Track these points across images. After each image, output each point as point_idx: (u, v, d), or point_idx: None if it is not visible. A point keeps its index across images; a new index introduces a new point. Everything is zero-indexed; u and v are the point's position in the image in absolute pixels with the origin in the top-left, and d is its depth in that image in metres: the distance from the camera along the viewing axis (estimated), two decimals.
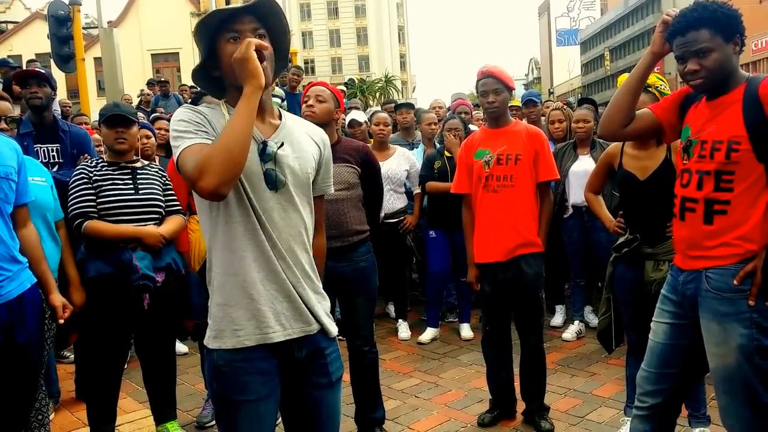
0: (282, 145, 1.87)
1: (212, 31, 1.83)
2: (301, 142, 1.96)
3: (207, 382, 1.95)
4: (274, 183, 1.84)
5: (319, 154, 2.03)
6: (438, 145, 5.51)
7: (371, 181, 3.54)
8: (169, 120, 5.44)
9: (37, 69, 4.31)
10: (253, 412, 1.88)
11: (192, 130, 1.77)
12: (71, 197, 3.20)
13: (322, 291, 2.02)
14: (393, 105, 7.69)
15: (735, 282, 2.22)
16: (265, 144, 1.84)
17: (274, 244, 1.85)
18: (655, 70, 2.66)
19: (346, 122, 5.70)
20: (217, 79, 1.90)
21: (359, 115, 5.83)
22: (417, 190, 5.45)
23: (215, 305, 1.87)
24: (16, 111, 4.86)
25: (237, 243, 1.83)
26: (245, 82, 1.74)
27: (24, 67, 7.64)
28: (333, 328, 2.02)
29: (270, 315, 1.86)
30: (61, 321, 2.89)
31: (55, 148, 4.18)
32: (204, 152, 1.69)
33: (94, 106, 10.41)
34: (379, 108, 8.17)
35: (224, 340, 1.85)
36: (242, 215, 1.82)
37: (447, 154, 5.20)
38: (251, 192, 1.82)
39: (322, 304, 1.99)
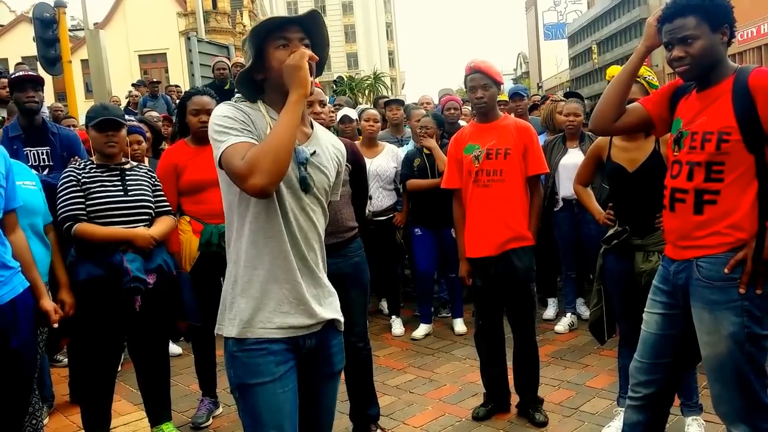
0: (314, 152, 2.00)
1: (262, 37, 1.95)
2: (327, 152, 2.09)
3: (227, 373, 2.03)
4: (306, 186, 1.96)
5: (338, 166, 2.16)
6: None
7: (359, 177, 3.57)
8: (149, 122, 5.43)
9: (33, 73, 4.29)
10: (269, 393, 1.94)
11: (237, 127, 1.86)
12: (60, 200, 3.18)
13: (331, 287, 2.13)
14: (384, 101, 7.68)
15: (726, 270, 2.24)
16: (300, 150, 1.96)
17: (295, 244, 1.96)
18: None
19: (338, 118, 5.71)
20: (255, 82, 2.01)
21: (351, 112, 5.85)
22: None
23: (235, 296, 1.96)
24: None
25: (261, 240, 1.92)
26: (294, 89, 1.87)
27: (11, 71, 7.60)
28: (340, 322, 2.12)
29: (276, 312, 1.95)
30: (55, 325, 2.88)
31: (44, 151, 4.16)
32: (254, 152, 1.79)
33: (82, 108, 10.32)
34: (369, 105, 8.18)
35: (231, 329, 1.95)
36: (271, 214, 1.92)
37: (426, 151, 5.21)
38: (285, 193, 1.93)
39: (330, 301, 2.10)
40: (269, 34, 1.94)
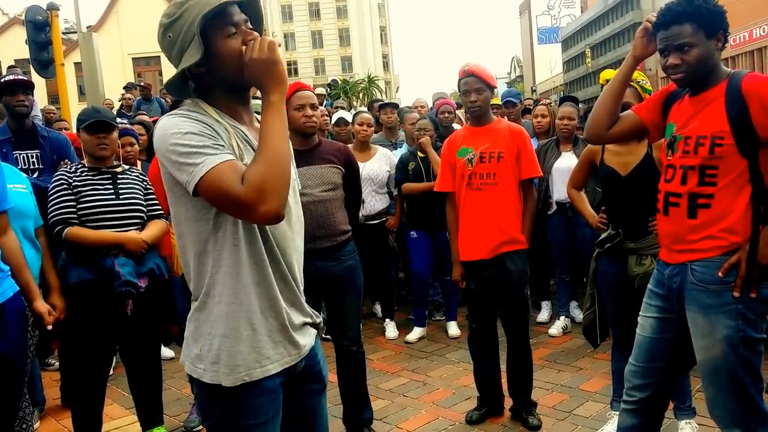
0: None
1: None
2: None
3: (204, 410, 1.78)
4: None
5: None
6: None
7: (352, 181, 3.57)
8: (145, 124, 5.40)
9: (23, 78, 4.27)
10: None
11: (210, 144, 1.57)
12: (51, 203, 3.16)
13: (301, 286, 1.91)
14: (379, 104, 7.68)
15: (720, 274, 2.24)
16: None
17: (277, 266, 1.74)
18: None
19: (333, 121, 5.70)
20: (186, 80, 1.70)
21: (347, 115, 5.86)
22: (397, 192, 5.46)
23: (215, 336, 1.69)
24: None
25: (243, 268, 1.68)
26: (273, 88, 1.62)
27: (3, 73, 7.56)
28: (319, 324, 1.95)
29: (269, 346, 1.74)
30: (49, 327, 2.86)
31: (34, 155, 4.14)
32: (256, 172, 1.53)
33: (75, 110, 10.28)
34: (364, 108, 8.18)
35: (221, 376, 1.69)
36: (249, 238, 1.68)
37: (420, 154, 5.22)
38: None
39: (311, 312, 1.90)
40: (211, 22, 1.63)
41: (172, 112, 1.68)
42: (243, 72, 1.64)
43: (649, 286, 2.53)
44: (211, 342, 1.70)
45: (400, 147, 6.01)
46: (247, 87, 1.73)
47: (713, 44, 2.28)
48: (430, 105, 7.78)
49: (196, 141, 1.56)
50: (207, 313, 1.71)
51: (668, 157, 2.40)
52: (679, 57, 2.27)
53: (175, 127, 1.59)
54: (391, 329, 5.50)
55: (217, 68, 1.67)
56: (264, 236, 1.71)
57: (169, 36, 1.66)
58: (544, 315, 5.61)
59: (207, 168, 1.54)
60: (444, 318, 5.64)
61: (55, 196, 3.18)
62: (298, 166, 2.12)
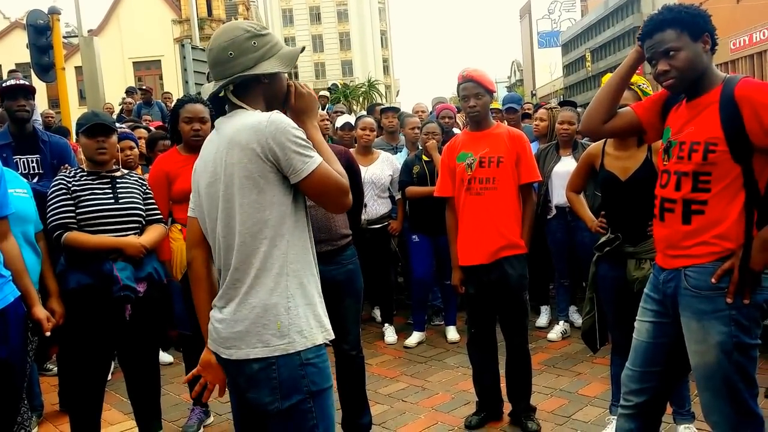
0: None
1: None
2: None
3: (290, 387, 1.93)
4: None
5: None
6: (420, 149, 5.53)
7: (353, 185, 3.56)
8: (148, 128, 5.41)
9: (24, 83, 4.27)
10: (331, 395, 2.05)
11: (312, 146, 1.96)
12: (50, 208, 3.16)
13: None
14: (381, 108, 7.67)
15: (713, 280, 2.24)
16: None
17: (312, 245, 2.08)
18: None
19: (338, 125, 5.71)
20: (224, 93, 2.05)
21: (352, 119, 5.87)
22: (399, 196, 5.46)
23: (298, 307, 1.94)
24: None
25: (308, 246, 2.02)
26: (314, 116, 2.12)
27: (5, 77, 7.56)
28: None
29: (325, 311, 2.05)
30: (47, 334, 2.86)
31: (35, 159, 4.15)
32: (340, 171, 1.99)
33: (75, 115, 10.29)
34: (365, 113, 8.19)
35: (315, 337, 1.97)
36: (306, 219, 2.04)
37: (425, 158, 5.22)
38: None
39: None
40: None
41: (273, 112, 1.94)
42: (285, 98, 2.10)
43: (645, 290, 2.53)
44: (294, 314, 1.94)
45: (401, 151, 6.01)
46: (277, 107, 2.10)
47: (700, 47, 2.29)
48: (430, 109, 7.79)
49: (306, 138, 1.93)
50: (281, 290, 1.93)
51: (664, 163, 2.40)
52: (667, 63, 2.29)
53: (289, 122, 1.93)
54: (390, 334, 5.50)
55: (275, 85, 2.06)
56: (309, 217, 2.07)
57: (254, 43, 1.99)
58: (543, 320, 5.61)
59: (319, 161, 1.92)
60: (443, 322, 5.64)
61: (54, 200, 3.17)
62: None
